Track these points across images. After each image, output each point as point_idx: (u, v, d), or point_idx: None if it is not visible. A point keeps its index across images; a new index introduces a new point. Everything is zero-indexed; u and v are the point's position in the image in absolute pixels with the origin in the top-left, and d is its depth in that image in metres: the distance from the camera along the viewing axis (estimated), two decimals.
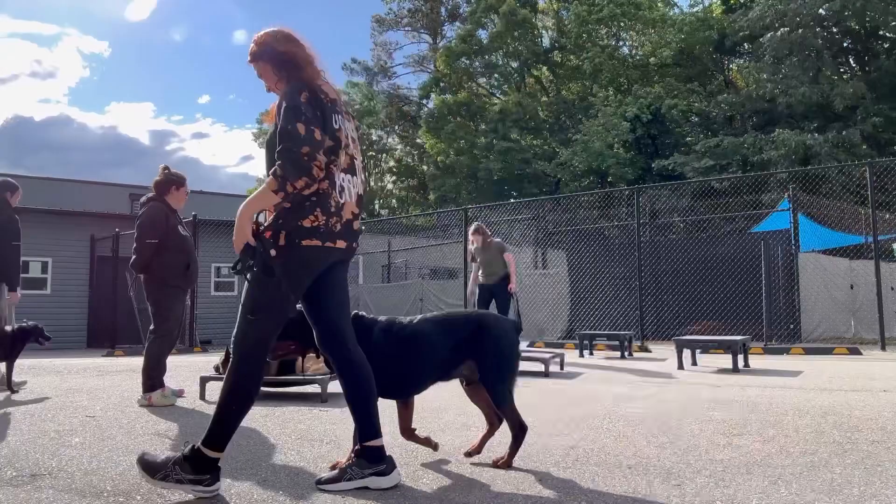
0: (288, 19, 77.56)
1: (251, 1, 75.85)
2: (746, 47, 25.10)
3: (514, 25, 30.47)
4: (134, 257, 4.90)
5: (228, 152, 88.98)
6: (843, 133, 20.25)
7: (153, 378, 4.78)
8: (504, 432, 2.92)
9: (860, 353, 8.84)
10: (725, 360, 7.21)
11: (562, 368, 6.97)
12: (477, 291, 7.69)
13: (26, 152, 71.12)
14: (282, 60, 2.57)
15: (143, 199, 5.11)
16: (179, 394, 5.04)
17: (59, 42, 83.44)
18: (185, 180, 5.19)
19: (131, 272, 5.18)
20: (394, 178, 44.10)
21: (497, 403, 2.88)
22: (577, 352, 9.42)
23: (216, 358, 7.25)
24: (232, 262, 2.43)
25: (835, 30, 23.78)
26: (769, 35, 22.00)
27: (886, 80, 22.10)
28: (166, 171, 5.11)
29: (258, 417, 4.12)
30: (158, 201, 5.00)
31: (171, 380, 6.03)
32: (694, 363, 7.38)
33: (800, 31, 21.46)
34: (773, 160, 20.38)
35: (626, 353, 8.96)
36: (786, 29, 21.62)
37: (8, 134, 70.48)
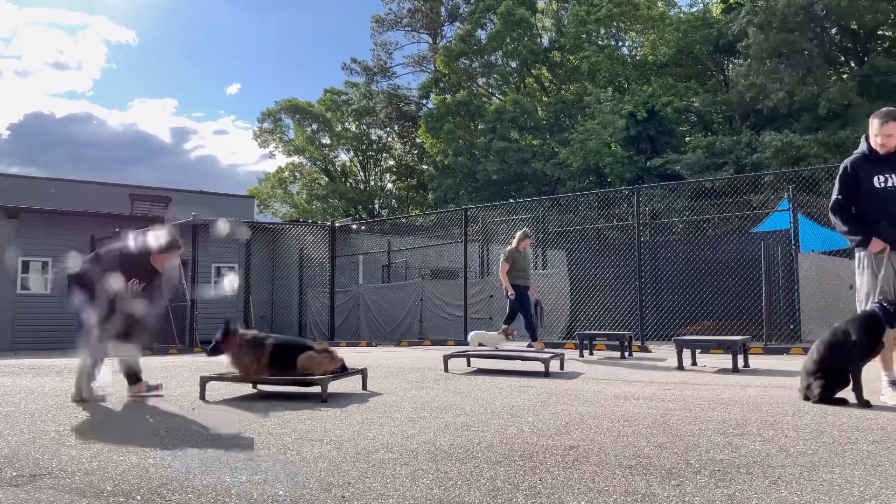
0: (288, 18, 77.40)
1: (253, 3, 75.94)
2: (743, 47, 25.19)
3: (512, 25, 30.53)
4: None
5: (248, 150, 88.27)
6: (838, 133, 20.21)
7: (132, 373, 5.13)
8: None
9: None
10: (725, 360, 7.21)
11: (562, 368, 6.97)
12: (516, 292, 8.83)
13: (44, 149, 69.80)
14: None
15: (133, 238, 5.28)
16: (156, 388, 5.27)
17: (85, 31, 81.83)
18: (180, 248, 5.32)
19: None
20: (393, 177, 44.15)
21: None
22: (577, 352, 9.42)
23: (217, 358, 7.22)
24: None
25: (833, 31, 23.76)
26: (752, 34, 21.98)
27: (880, 79, 22.08)
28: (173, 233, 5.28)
29: (258, 417, 4.12)
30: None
31: (171, 380, 6.05)
32: (694, 363, 7.38)
33: (788, 31, 21.42)
34: (765, 162, 20.37)
35: (626, 354, 8.96)
36: (768, 29, 21.59)
37: (27, 130, 69.47)
